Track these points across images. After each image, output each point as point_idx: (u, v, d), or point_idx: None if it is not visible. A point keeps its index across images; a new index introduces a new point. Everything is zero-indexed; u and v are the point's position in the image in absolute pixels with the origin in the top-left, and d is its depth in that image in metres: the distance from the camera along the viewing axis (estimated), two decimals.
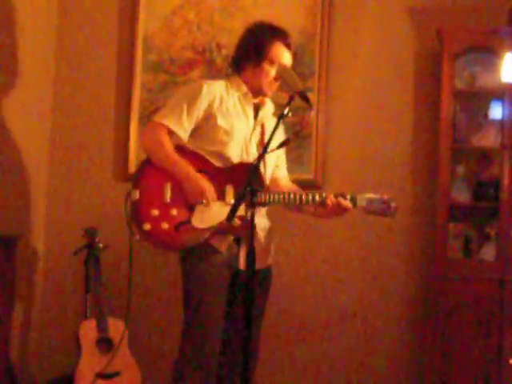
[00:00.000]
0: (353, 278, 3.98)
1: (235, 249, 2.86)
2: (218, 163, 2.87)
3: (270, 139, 2.56)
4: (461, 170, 3.84)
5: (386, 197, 2.84)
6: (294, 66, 2.95)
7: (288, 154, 3.23)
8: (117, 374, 3.50)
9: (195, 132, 2.90)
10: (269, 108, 3.05)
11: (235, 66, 3.01)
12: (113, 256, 3.69)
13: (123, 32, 4.11)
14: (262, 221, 2.93)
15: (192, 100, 2.87)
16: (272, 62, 2.90)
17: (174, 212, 2.82)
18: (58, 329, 4.03)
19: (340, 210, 2.83)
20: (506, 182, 3.63)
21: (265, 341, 3.04)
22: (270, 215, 3.04)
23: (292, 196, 2.82)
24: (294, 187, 3.11)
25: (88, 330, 3.55)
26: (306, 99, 2.69)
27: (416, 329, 3.92)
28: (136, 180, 2.88)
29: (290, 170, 3.21)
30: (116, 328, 3.54)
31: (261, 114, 3.00)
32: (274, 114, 3.04)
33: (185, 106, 2.86)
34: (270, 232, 3.00)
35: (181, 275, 2.92)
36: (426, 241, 3.90)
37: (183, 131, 2.87)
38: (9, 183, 3.70)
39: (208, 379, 2.83)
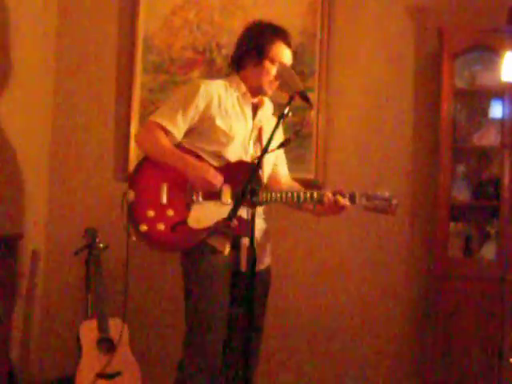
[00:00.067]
0: (353, 278, 3.98)
1: (235, 249, 2.85)
2: (216, 163, 2.86)
3: (271, 139, 2.55)
4: (461, 169, 3.84)
5: (387, 194, 2.85)
6: (294, 66, 2.94)
7: (288, 153, 3.23)
8: (118, 374, 3.49)
9: (194, 132, 2.89)
10: (267, 108, 3.04)
11: (235, 64, 3.00)
12: (113, 256, 3.69)
13: (123, 32, 4.10)
14: (258, 221, 2.91)
15: (188, 99, 2.86)
16: (273, 61, 2.89)
17: (170, 213, 2.81)
18: (58, 329, 4.03)
19: (337, 207, 2.84)
20: (506, 180, 3.63)
21: (265, 341, 3.03)
22: (269, 215, 3.04)
23: (290, 194, 2.83)
24: (295, 185, 3.11)
25: (89, 330, 3.54)
26: (306, 99, 2.68)
27: (416, 328, 3.93)
28: (132, 181, 2.87)
29: (290, 169, 3.22)
30: (117, 328, 3.52)
31: (259, 114, 2.99)
32: (274, 113, 3.04)
33: (181, 106, 2.85)
34: (266, 233, 3.00)
35: (181, 275, 2.91)
36: (426, 240, 3.90)
37: (177, 130, 2.86)
38: (9, 183, 3.70)
39: (212, 379, 2.82)
